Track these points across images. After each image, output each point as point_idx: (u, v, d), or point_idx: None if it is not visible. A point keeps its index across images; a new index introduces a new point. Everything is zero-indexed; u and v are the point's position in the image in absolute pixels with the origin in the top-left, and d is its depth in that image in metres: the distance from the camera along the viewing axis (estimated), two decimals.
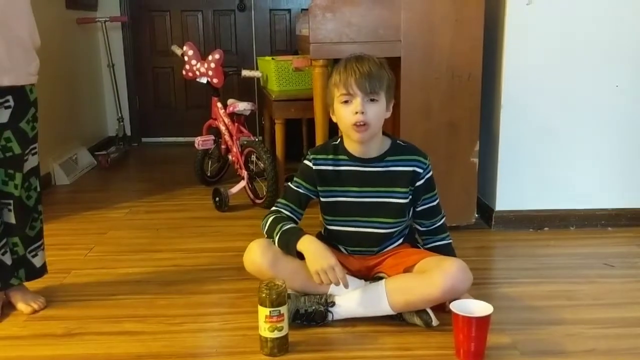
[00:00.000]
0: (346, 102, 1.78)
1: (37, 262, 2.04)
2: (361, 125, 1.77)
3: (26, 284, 2.07)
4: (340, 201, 1.92)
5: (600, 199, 2.72)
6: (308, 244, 1.79)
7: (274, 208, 1.97)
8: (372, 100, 1.77)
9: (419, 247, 2.01)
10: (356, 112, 1.76)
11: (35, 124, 1.96)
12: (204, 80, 3.39)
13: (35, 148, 1.98)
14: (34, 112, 1.94)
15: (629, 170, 2.71)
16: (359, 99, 1.76)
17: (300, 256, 1.80)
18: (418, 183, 1.90)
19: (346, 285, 1.76)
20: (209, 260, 2.44)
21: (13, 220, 1.94)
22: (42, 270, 2.08)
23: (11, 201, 1.93)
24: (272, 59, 3.57)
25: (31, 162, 1.97)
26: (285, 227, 1.85)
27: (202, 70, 3.36)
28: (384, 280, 1.83)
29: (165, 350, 1.76)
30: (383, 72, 1.79)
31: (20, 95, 1.88)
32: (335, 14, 2.45)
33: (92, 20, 4.48)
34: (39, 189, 2.02)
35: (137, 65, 4.93)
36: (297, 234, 1.82)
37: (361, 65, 1.77)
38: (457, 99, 2.56)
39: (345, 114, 1.79)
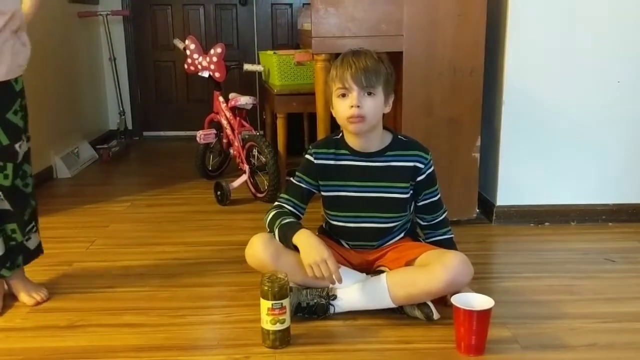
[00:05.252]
0: (343, 95, 1.79)
1: (31, 245, 2.04)
2: (356, 117, 1.77)
3: (29, 275, 2.08)
4: (342, 195, 1.93)
5: (601, 194, 2.73)
6: (303, 238, 1.80)
7: (276, 203, 1.97)
8: (368, 93, 1.77)
9: (420, 241, 2.02)
10: (352, 106, 1.76)
11: (24, 113, 1.93)
12: (205, 74, 3.39)
13: (24, 136, 1.95)
14: (21, 102, 1.92)
15: (630, 165, 2.71)
16: (355, 93, 1.76)
17: (298, 250, 1.81)
18: (419, 178, 1.90)
19: (339, 280, 1.75)
20: (211, 254, 2.45)
21: (8, 207, 1.93)
22: (36, 252, 2.07)
23: (0, 193, 1.92)
24: (274, 53, 3.56)
25: (23, 149, 1.95)
26: (284, 222, 1.86)
27: (204, 64, 3.36)
28: (385, 273, 1.84)
29: (167, 342, 1.77)
30: (380, 67, 1.79)
31: (4, 88, 1.86)
32: (337, 8, 2.45)
33: (94, 13, 4.47)
34: (30, 174, 2.00)
35: (138, 59, 4.93)
36: (295, 228, 1.83)
37: (358, 60, 1.77)
38: (459, 94, 2.56)
39: (342, 108, 1.79)
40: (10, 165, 1.91)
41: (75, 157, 3.97)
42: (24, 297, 2.02)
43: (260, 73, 3.74)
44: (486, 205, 2.83)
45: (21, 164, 1.95)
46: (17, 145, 1.91)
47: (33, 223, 2.05)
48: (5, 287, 2.04)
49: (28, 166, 1.99)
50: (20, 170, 1.95)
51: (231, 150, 3.44)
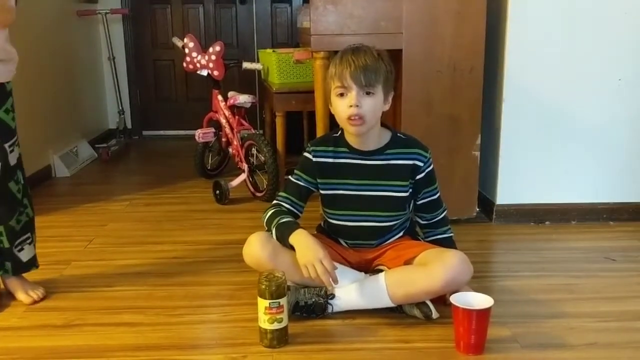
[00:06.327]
0: (342, 94, 1.77)
1: (23, 256, 2.00)
2: (356, 119, 1.75)
3: (26, 274, 2.06)
4: (340, 194, 1.91)
5: (602, 193, 2.72)
6: (299, 238, 1.78)
7: (274, 201, 1.96)
8: (367, 93, 1.75)
9: (419, 240, 2.01)
10: (351, 106, 1.74)
11: (14, 114, 1.91)
12: (204, 72, 3.39)
13: (16, 140, 1.93)
14: (12, 102, 1.90)
15: (631, 164, 2.70)
16: (354, 92, 1.74)
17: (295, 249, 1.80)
18: (418, 176, 1.89)
19: (335, 280, 1.74)
20: (209, 253, 2.44)
21: None
22: (29, 265, 2.04)
23: None
24: (273, 51, 3.56)
25: (15, 154, 1.92)
26: (282, 221, 1.84)
27: (203, 62, 3.35)
28: (384, 272, 1.82)
29: (164, 341, 1.76)
30: (380, 65, 1.77)
31: None
32: (336, 5, 2.44)
33: (93, 12, 4.47)
34: (22, 182, 1.97)
35: (137, 58, 4.93)
36: (292, 227, 1.82)
37: (357, 58, 1.74)
38: (459, 92, 2.55)
39: (341, 107, 1.78)
40: None
41: (74, 156, 3.96)
42: (21, 296, 2.00)
43: (259, 71, 3.73)
44: (486, 203, 2.82)
45: (14, 167, 1.92)
46: (7, 146, 1.89)
47: (29, 234, 2.02)
48: (2, 286, 2.04)
49: (19, 173, 1.96)
50: (14, 174, 1.92)
51: (230, 149, 3.43)
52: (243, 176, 3.20)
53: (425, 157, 1.89)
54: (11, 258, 1.99)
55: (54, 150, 3.73)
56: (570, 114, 2.65)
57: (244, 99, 3.31)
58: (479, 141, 2.60)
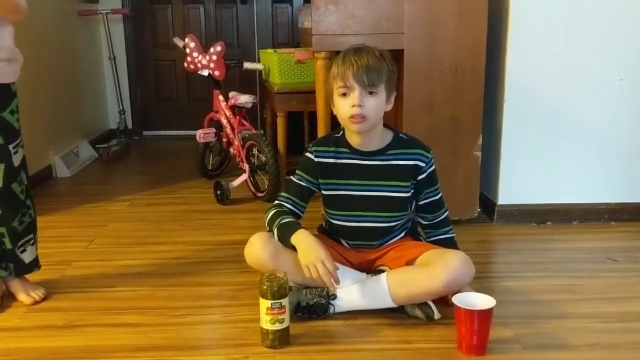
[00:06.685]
0: (344, 94, 1.77)
1: (26, 257, 2.00)
2: (358, 117, 1.75)
3: (26, 275, 2.05)
4: (342, 194, 1.91)
5: (604, 193, 2.71)
6: (301, 238, 1.78)
7: (276, 202, 1.96)
8: (370, 93, 1.75)
9: (421, 240, 2.00)
10: (353, 106, 1.74)
11: (18, 115, 1.92)
12: (205, 72, 3.38)
13: (21, 141, 1.94)
14: (17, 103, 1.91)
15: (633, 164, 2.69)
16: (356, 92, 1.74)
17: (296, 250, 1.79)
18: (420, 177, 1.88)
19: (337, 281, 1.74)
20: (210, 253, 2.43)
21: None
22: (31, 266, 2.04)
23: None
24: (274, 51, 3.55)
25: (19, 155, 1.93)
26: (284, 221, 1.84)
27: (204, 62, 3.35)
28: (385, 273, 1.82)
29: (165, 342, 1.75)
30: (382, 65, 1.77)
31: (2, 88, 1.86)
32: (338, 5, 2.43)
33: (94, 12, 4.46)
34: (26, 183, 1.98)
35: (138, 58, 4.92)
36: (293, 227, 1.81)
37: (359, 58, 1.74)
38: (460, 92, 2.54)
39: (343, 107, 1.77)
40: (1, 166, 1.88)
41: (75, 157, 3.96)
42: (22, 297, 2.00)
43: (260, 71, 3.73)
44: (487, 204, 2.82)
45: (18, 168, 1.93)
46: (11, 147, 1.89)
47: (31, 235, 2.02)
48: (3, 286, 2.03)
49: (23, 174, 1.96)
50: (17, 175, 1.93)
51: (231, 150, 3.43)
52: (244, 176, 3.20)
53: (427, 157, 1.89)
54: (14, 259, 1.98)
55: (54, 150, 3.72)
56: (571, 114, 2.64)
57: (245, 99, 3.31)
58: (480, 141, 2.60)
